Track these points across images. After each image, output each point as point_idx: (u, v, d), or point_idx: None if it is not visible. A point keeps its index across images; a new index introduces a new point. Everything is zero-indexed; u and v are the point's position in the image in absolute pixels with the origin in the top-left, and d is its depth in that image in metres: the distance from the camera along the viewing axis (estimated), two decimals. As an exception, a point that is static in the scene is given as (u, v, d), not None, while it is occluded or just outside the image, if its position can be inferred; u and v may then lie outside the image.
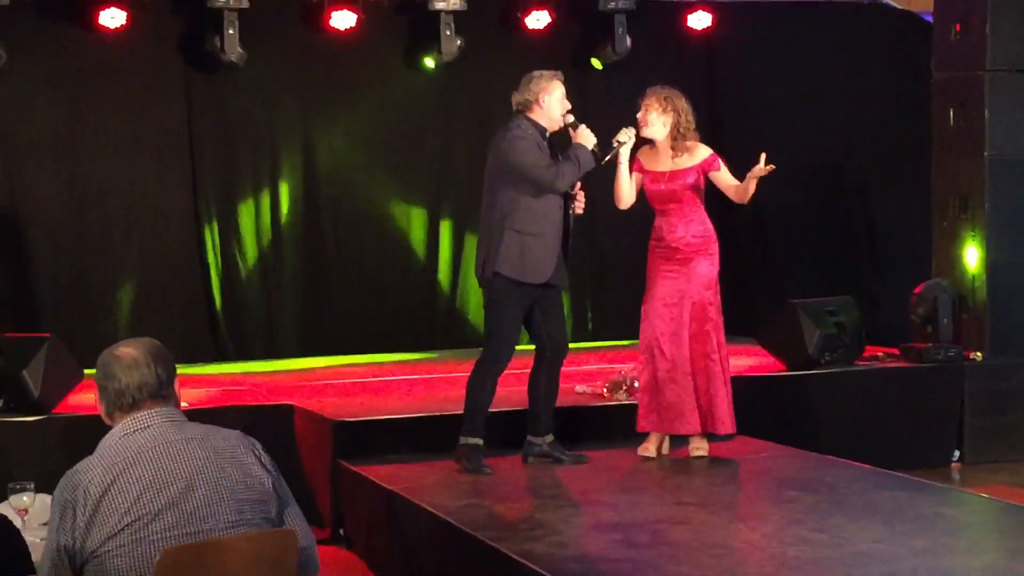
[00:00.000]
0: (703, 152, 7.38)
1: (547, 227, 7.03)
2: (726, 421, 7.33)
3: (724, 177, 7.40)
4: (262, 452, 3.62)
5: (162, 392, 3.56)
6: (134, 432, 3.51)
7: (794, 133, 11.52)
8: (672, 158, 7.34)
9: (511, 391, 7.58)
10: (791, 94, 11.57)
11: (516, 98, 7.11)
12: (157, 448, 3.47)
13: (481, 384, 7.11)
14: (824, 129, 11.59)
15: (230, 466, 3.52)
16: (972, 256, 9.63)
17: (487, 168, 7.14)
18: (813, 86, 11.58)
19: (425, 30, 10.80)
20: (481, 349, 7.22)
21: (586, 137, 7.06)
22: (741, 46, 11.54)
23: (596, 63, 11.29)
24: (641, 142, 7.38)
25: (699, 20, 11.35)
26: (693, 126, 7.35)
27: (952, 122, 9.73)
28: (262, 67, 10.63)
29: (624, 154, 7.29)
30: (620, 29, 11.07)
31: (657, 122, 7.30)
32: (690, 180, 7.32)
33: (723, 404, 7.31)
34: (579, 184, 7.16)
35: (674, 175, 7.33)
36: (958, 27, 9.68)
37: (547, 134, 7.10)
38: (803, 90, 11.58)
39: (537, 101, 7.05)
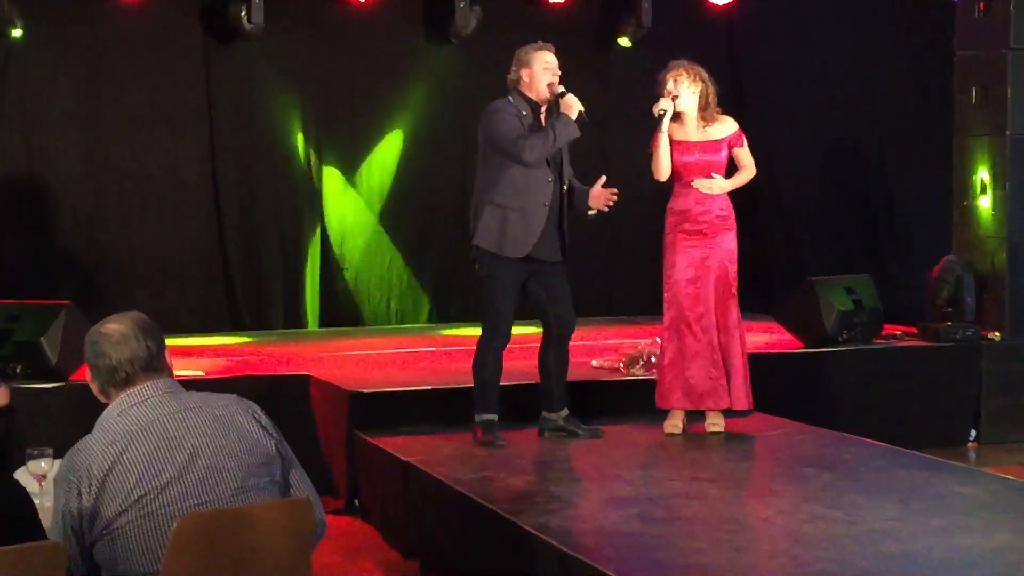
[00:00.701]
0: (732, 125, 7.39)
1: (530, 201, 6.99)
2: (742, 397, 7.31)
3: (744, 155, 7.40)
4: (261, 415, 3.62)
5: (154, 364, 3.55)
6: (131, 407, 3.49)
7: (815, 110, 11.47)
8: (703, 128, 7.31)
9: (526, 363, 7.55)
10: (812, 71, 11.50)
11: (508, 75, 7.13)
12: (157, 420, 3.46)
13: (483, 361, 7.11)
14: (845, 106, 11.53)
15: (231, 431, 3.51)
16: (991, 235, 9.58)
17: (478, 143, 7.16)
18: (834, 63, 11.51)
19: (445, 3, 10.75)
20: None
21: (570, 105, 7.01)
22: (762, 23, 11.47)
23: (625, 41, 11.22)
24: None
25: (721, -4, 11.28)
26: (716, 98, 7.33)
27: (974, 100, 9.67)
28: (281, 39, 10.59)
29: (666, 123, 7.26)
30: (646, 4, 10.99)
31: (688, 92, 7.29)
32: (723, 152, 7.32)
33: (740, 380, 7.29)
34: (602, 180, 7.10)
35: (707, 146, 7.31)
36: (981, 5, 9.62)
37: (540, 108, 7.06)
38: (824, 67, 11.51)
39: (522, 76, 7.05)
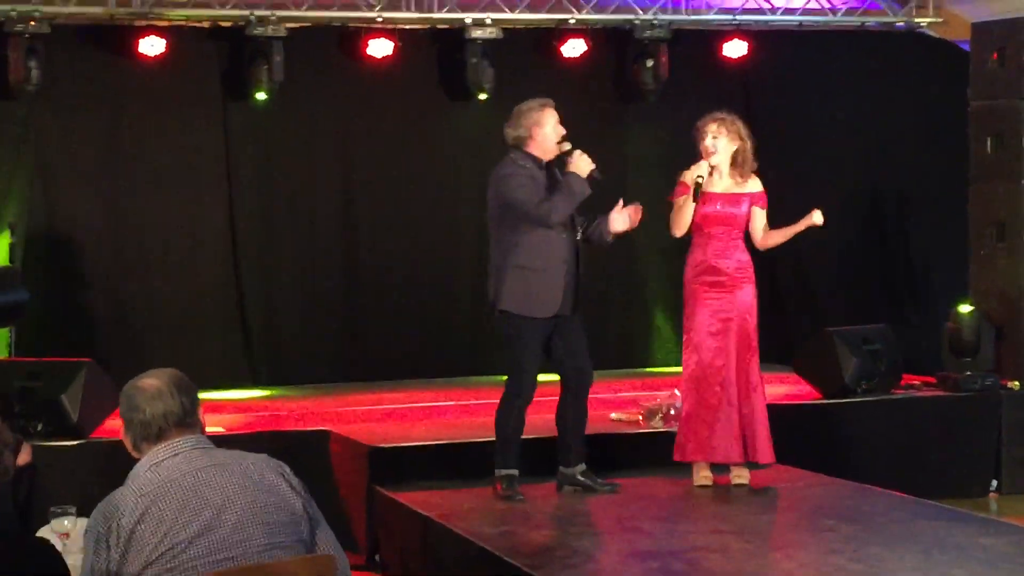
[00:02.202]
0: (757, 185, 7.43)
1: (551, 260, 7.03)
2: (766, 450, 7.30)
3: (762, 217, 7.42)
4: (290, 474, 3.63)
5: (187, 420, 3.58)
6: (162, 461, 3.52)
7: (831, 161, 11.50)
8: (732, 182, 7.33)
9: (542, 417, 7.55)
10: (827, 122, 11.54)
11: (509, 133, 7.11)
12: (187, 476, 3.49)
13: (507, 417, 7.12)
14: (861, 157, 11.56)
15: (260, 489, 3.53)
16: (1009, 284, 9.58)
17: (488, 206, 7.16)
18: (849, 114, 11.55)
19: (461, 59, 10.83)
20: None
21: (581, 165, 7.04)
22: (777, 75, 11.53)
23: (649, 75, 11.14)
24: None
25: (735, 48, 11.33)
26: (752, 154, 7.35)
27: (989, 150, 9.70)
28: (300, 95, 10.67)
29: (698, 193, 7.27)
30: (664, 56, 11.04)
31: (726, 150, 7.31)
32: (744, 207, 7.34)
33: (764, 433, 7.29)
34: (619, 204, 7.16)
35: (730, 199, 7.34)
36: (995, 55, 9.66)
37: (543, 164, 7.10)
38: (839, 118, 11.55)
39: (531, 135, 7.06)
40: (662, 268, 10.94)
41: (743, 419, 7.28)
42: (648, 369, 10.96)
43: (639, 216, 7.20)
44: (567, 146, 7.10)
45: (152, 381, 3.60)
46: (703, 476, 7.37)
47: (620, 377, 10.44)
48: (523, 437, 7.20)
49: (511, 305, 7.02)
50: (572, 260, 7.10)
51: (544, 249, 7.02)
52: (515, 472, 7.11)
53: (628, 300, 11.40)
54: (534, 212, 6.95)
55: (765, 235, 7.43)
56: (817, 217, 7.32)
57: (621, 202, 7.19)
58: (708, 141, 7.32)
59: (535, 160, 7.06)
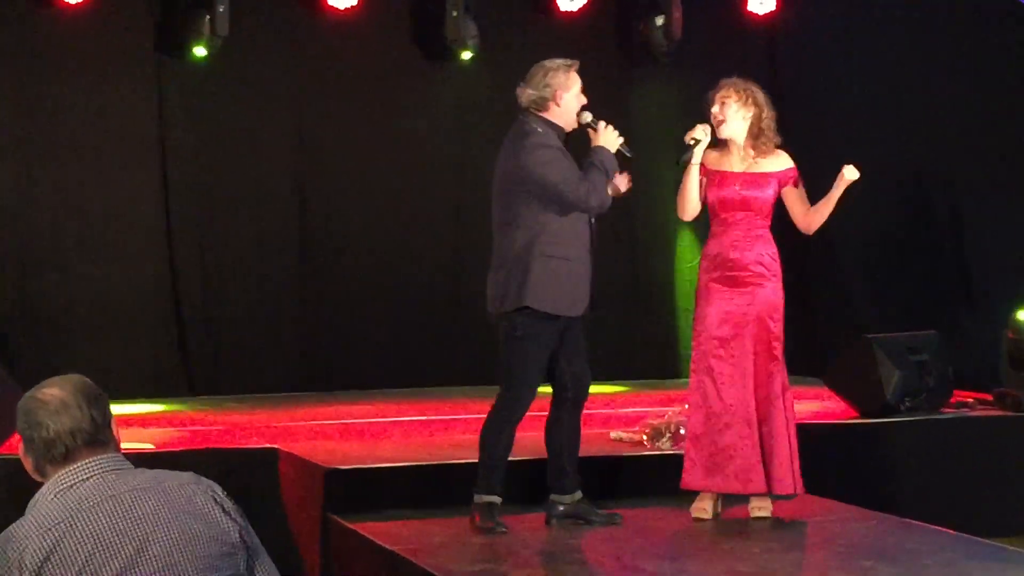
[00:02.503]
0: (787, 161, 7.41)
1: (580, 249, 7.06)
2: (786, 479, 7.29)
3: (800, 197, 7.42)
4: (224, 497, 3.62)
5: (99, 437, 3.54)
6: (71, 487, 3.49)
7: (871, 136, 11.51)
8: (752, 160, 7.35)
9: (530, 436, 7.56)
10: (868, 90, 11.57)
11: (527, 94, 7.08)
12: (101, 504, 3.46)
13: (498, 435, 7.11)
14: (907, 132, 11.57)
15: (189, 517, 3.51)
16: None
17: (498, 179, 7.14)
18: (893, 80, 11.57)
19: (439, 11, 10.84)
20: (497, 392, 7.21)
21: (610, 138, 7.08)
22: (809, 33, 11.55)
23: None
24: (712, 142, 7.41)
25: (761, 3, 11.37)
26: (774, 125, 7.37)
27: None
28: (247, 53, 10.66)
29: (697, 155, 7.32)
30: (678, 11, 11.06)
31: (736, 117, 7.33)
32: (769, 188, 7.33)
33: (784, 459, 7.28)
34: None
35: (751, 180, 7.33)
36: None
37: (563, 134, 7.12)
38: (882, 85, 11.57)
39: (555, 98, 7.05)
40: (669, 260, 10.97)
41: (764, 441, 7.28)
42: (654, 381, 10.97)
43: (626, 186, 7.22)
44: (588, 116, 7.12)
45: (55, 392, 3.57)
46: (700, 508, 7.38)
47: (621, 390, 10.46)
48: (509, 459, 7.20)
49: (539, 301, 6.97)
50: (591, 250, 7.13)
51: (573, 237, 7.02)
52: (498, 500, 7.12)
53: (628, 299, 11.41)
54: (571, 195, 6.95)
55: (807, 215, 7.43)
56: (850, 172, 7.28)
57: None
58: (715, 108, 7.34)
59: (556, 130, 7.07)
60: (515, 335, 7.03)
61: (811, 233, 7.58)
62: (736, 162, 7.37)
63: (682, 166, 7.36)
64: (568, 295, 7.03)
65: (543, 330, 7.00)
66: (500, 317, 7.10)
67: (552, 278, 6.98)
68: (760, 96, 7.36)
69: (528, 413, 7.21)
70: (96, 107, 10.48)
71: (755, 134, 7.34)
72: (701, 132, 7.33)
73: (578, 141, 7.24)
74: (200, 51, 10.31)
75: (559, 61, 7.12)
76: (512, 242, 7.03)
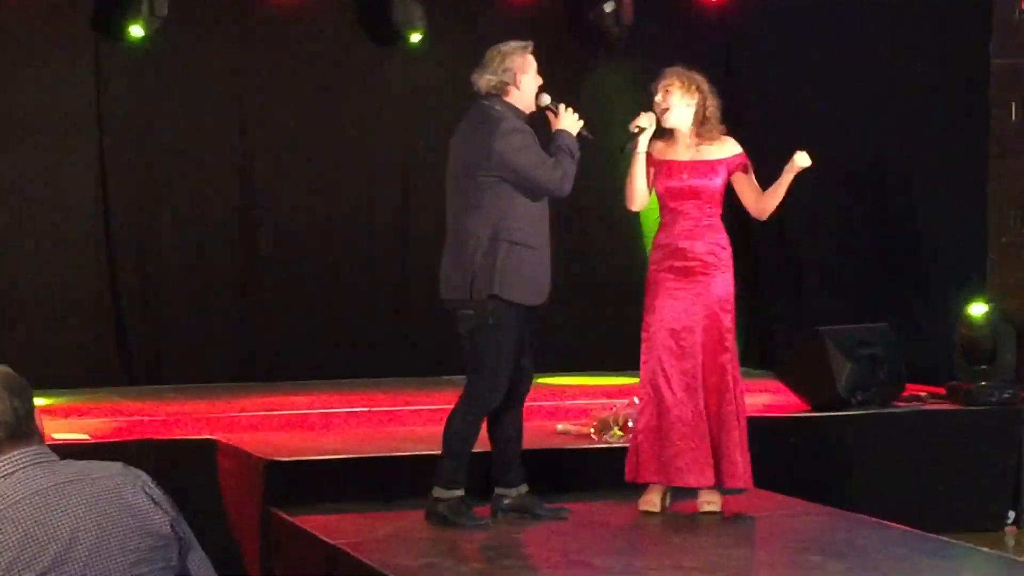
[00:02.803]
0: (733, 147, 7.39)
1: (543, 237, 7.04)
2: (737, 473, 7.28)
3: (750, 183, 7.40)
4: (154, 487, 3.59)
5: (22, 429, 3.49)
6: None
7: (825, 127, 11.51)
8: (696, 147, 7.33)
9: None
10: (822, 81, 11.58)
11: (485, 79, 7.03)
12: (25, 499, 3.42)
13: (468, 428, 7.02)
14: (861, 123, 11.60)
15: (117, 510, 3.47)
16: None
17: (458, 164, 7.07)
18: (847, 71, 11.58)
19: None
20: (464, 382, 7.11)
21: (571, 121, 7.05)
22: (765, 22, 11.56)
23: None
24: (657, 132, 7.38)
25: (715, -9, 11.38)
26: (719, 113, 7.35)
27: (1014, 117, 9.77)
28: (188, 35, 10.59)
29: (643, 143, 7.30)
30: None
31: (680, 105, 7.31)
32: (717, 176, 7.31)
33: (736, 452, 7.27)
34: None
35: (697, 168, 7.31)
36: (1022, 5, 9.72)
37: (525, 119, 7.08)
38: (837, 77, 11.58)
39: (515, 81, 7.01)
40: (618, 250, 10.95)
41: (714, 434, 7.26)
42: (602, 373, 10.96)
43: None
44: (547, 99, 7.09)
45: None
46: (649, 500, 7.37)
47: (568, 382, 10.45)
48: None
49: (507, 290, 6.91)
50: (551, 237, 7.11)
51: (537, 223, 6.99)
52: (464, 492, 7.05)
53: (577, 289, 11.39)
54: (547, 181, 6.92)
55: (759, 201, 7.40)
56: (801, 159, 7.25)
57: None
58: (658, 97, 7.33)
59: (519, 114, 7.03)
60: (487, 323, 6.94)
61: (763, 219, 7.58)
62: (682, 151, 7.35)
63: (627, 155, 7.34)
64: (535, 284, 7.01)
65: (512, 318, 6.96)
66: (460, 303, 7.03)
67: (519, 267, 6.94)
68: (704, 84, 7.36)
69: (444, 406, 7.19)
70: (33, 88, 10.40)
71: (700, 122, 7.33)
72: (645, 120, 7.31)
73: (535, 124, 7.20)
74: (137, 31, 10.21)
75: (514, 43, 7.07)
76: (473, 227, 6.95)
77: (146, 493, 3.57)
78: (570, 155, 6.99)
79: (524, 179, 6.91)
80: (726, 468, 7.28)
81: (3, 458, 3.48)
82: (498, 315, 6.92)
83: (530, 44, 7.09)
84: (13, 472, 3.47)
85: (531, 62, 7.05)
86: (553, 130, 7.09)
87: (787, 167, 7.30)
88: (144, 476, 3.60)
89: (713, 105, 7.34)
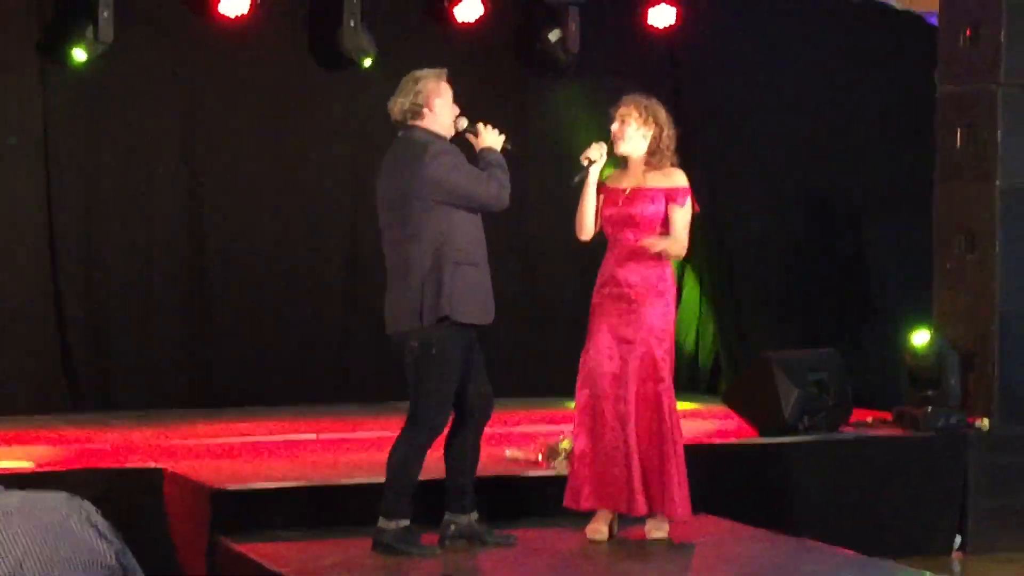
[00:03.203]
0: (678, 179, 7.39)
1: (482, 254, 7.09)
2: (678, 502, 7.29)
3: (679, 219, 7.37)
4: (98, 518, 3.57)
5: None
6: None
7: (772, 153, 11.61)
8: (641, 175, 7.36)
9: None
10: (769, 107, 11.65)
11: (399, 104, 7.07)
12: None
13: (412, 458, 7.03)
14: (807, 149, 11.68)
15: (61, 541, 3.45)
16: (980, 303, 9.70)
17: (392, 195, 7.08)
18: (795, 98, 11.67)
19: (331, 19, 10.80)
20: (407, 410, 7.13)
21: (492, 138, 7.10)
22: (711, 48, 11.61)
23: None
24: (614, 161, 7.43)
25: (661, 16, 11.40)
26: (673, 144, 7.39)
27: (959, 143, 9.82)
28: (134, 57, 10.56)
29: (593, 174, 7.34)
30: (573, 24, 11.10)
31: (636, 136, 7.35)
32: (652, 205, 7.33)
33: (675, 480, 7.27)
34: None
35: (635, 195, 7.34)
36: (968, 32, 9.78)
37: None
38: (784, 102, 11.66)
39: (428, 104, 7.06)
40: (566, 276, 10.98)
41: (647, 463, 7.26)
42: (550, 399, 10.96)
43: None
44: (463, 122, 7.15)
45: None
46: (595, 529, 7.39)
47: (516, 407, 10.45)
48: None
49: (457, 311, 6.93)
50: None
51: (476, 242, 7.04)
52: (409, 522, 7.06)
53: (522, 314, 11.41)
54: (484, 196, 6.97)
55: (675, 243, 7.41)
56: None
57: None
58: (615, 126, 7.37)
59: (439, 137, 7.07)
60: (430, 353, 6.94)
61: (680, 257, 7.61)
62: (625, 178, 7.41)
63: (577, 186, 7.37)
64: (482, 302, 7.06)
65: (457, 344, 6.97)
66: (408, 335, 7.04)
67: (466, 286, 6.97)
68: (662, 115, 7.39)
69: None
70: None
71: (651, 151, 7.36)
72: (596, 152, 7.36)
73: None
74: (80, 55, 10.19)
75: (428, 70, 7.14)
76: (416, 256, 6.96)
77: (91, 524, 3.55)
78: (500, 167, 7.04)
79: (461, 197, 6.95)
80: (663, 496, 7.28)
81: None
82: (443, 342, 6.93)
83: (444, 71, 7.15)
84: None
85: (445, 88, 7.11)
86: (477, 151, 7.14)
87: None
88: (88, 506, 3.59)
89: (669, 136, 7.37)
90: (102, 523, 3.56)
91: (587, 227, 7.41)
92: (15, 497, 3.53)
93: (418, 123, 7.06)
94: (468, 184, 6.95)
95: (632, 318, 7.29)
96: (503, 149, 7.13)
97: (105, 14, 9.99)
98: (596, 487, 7.34)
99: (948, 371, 9.58)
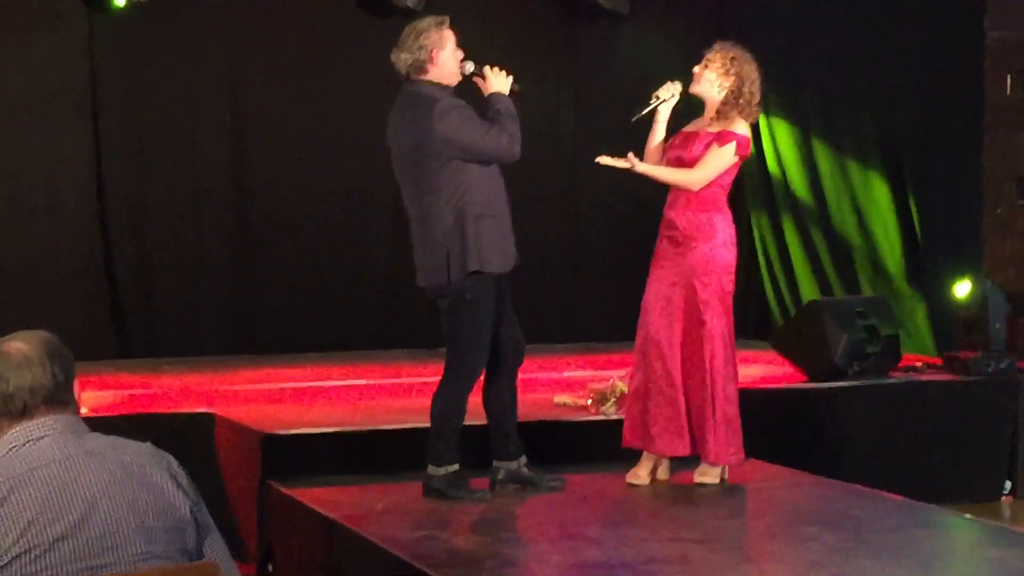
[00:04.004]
0: (735, 125, 7.32)
1: (501, 203, 7.06)
2: (712, 448, 7.31)
3: (710, 155, 7.29)
4: (179, 470, 3.62)
5: (59, 396, 3.55)
6: (24, 444, 3.50)
7: (820, 103, 11.55)
8: (708, 121, 7.37)
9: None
10: (816, 57, 11.59)
11: (402, 59, 7.01)
12: (53, 464, 3.46)
13: (455, 404, 7.05)
14: (855, 99, 11.61)
15: (140, 487, 3.51)
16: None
17: (406, 152, 7.04)
18: (843, 47, 11.60)
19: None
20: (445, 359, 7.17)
21: (500, 81, 7.03)
22: (759, 1, 11.56)
23: None
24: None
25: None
26: (756, 100, 7.36)
27: (1009, 90, 9.79)
28: (181, 7, 10.60)
29: (663, 112, 7.32)
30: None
31: (712, 81, 7.33)
32: (700, 148, 7.33)
33: (718, 427, 7.29)
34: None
35: (688, 139, 7.36)
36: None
37: (451, 92, 7.07)
38: (831, 52, 11.60)
39: (431, 58, 7.00)
40: (613, 223, 10.98)
41: (692, 406, 7.31)
42: (598, 343, 11.01)
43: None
44: (469, 66, 7.07)
45: (20, 345, 3.58)
46: (635, 474, 7.41)
47: (564, 353, 10.49)
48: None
49: (484, 263, 6.95)
50: (508, 201, 7.14)
51: (494, 192, 7.01)
52: (459, 467, 7.10)
53: (574, 263, 11.45)
54: (495, 149, 6.93)
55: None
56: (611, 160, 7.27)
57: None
58: (697, 67, 7.36)
59: (445, 89, 7.04)
60: (463, 302, 6.98)
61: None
62: (694, 123, 7.42)
63: (639, 122, 7.33)
64: (504, 251, 7.05)
65: (487, 291, 7.00)
66: (438, 289, 7.08)
67: (489, 237, 6.98)
68: (747, 69, 7.32)
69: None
70: (24, 63, 10.40)
71: (725, 101, 7.33)
72: (667, 91, 7.33)
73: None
74: (119, 1, 10.25)
75: (430, 19, 7.08)
76: (437, 211, 6.96)
77: (171, 475, 3.60)
78: (509, 116, 6.97)
79: (472, 154, 6.93)
80: (704, 442, 7.30)
81: (36, 422, 3.53)
82: (475, 291, 6.97)
83: (446, 19, 7.07)
84: (43, 437, 3.52)
85: (448, 36, 7.02)
86: (485, 95, 7.09)
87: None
88: (172, 460, 3.63)
89: (750, 92, 7.30)
90: (182, 476, 3.61)
91: (650, 161, 7.39)
92: (103, 441, 3.58)
93: (423, 76, 7.04)
94: (478, 139, 6.92)
95: (679, 260, 7.31)
96: (512, 91, 7.06)
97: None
98: (639, 427, 7.37)
99: (997, 317, 9.57)
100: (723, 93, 7.32)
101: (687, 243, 7.30)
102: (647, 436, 7.36)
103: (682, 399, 7.29)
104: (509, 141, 6.94)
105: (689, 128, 7.43)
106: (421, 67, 7.00)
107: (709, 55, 7.37)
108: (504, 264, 7.05)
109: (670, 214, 7.35)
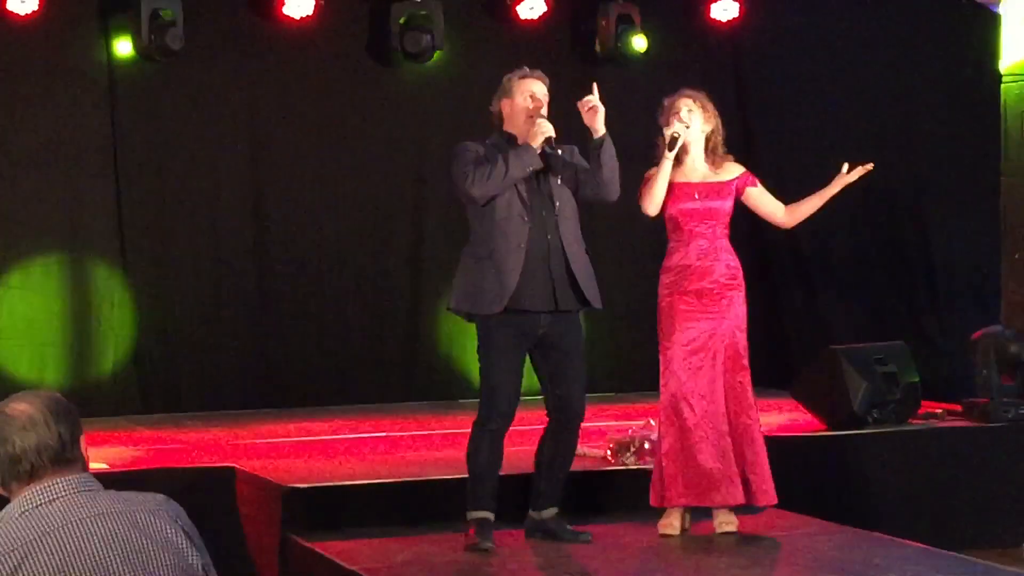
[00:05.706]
0: (738, 168, 7.49)
1: (501, 244, 6.99)
2: (769, 490, 7.36)
3: (763, 195, 7.50)
4: (187, 522, 3.60)
5: (66, 455, 3.52)
6: (37, 507, 3.47)
7: (836, 145, 11.56)
8: (708, 170, 7.43)
9: (522, 451, 7.58)
10: (833, 98, 11.64)
11: (491, 111, 7.21)
12: (66, 527, 3.44)
13: (476, 448, 7.08)
14: (872, 140, 11.64)
15: (155, 546, 3.49)
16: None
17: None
18: (859, 89, 11.65)
19: (394, 18, 10.90)
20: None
21: (536, 133, 7.00)
22: (774, 40, 11.63)
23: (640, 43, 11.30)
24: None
25: (724, 10, 11.46)
26: (723, 141, 7.48)
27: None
28: (201, 63, 10.69)
29: (678, 144, 7.36)
30: (636, 19, 11.17)
31: (699, 125, 7.41)
32: (729, 198, 7.41)
33: (765, 469, 7.35)
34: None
35: (710, 189, 7.40)
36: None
37: (516, 142, 7.09)
38: (847, 94, 11.65)
39: (500, 109, 7.13)
40: (632, 273, 11.00)
41: (739, 452, 7.34)
42: (617, 395, 11.02)
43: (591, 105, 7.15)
44: (541, 120, 7.06)
45: (22, 406, 3.56)
46: (668, 524, 7.40)
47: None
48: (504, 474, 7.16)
49: (457, 301, 7.09)
50: (540, 248, 7.04)
51: (495, 234, 7.01)
52: (489, 515, 7.07)
53: (591, 314, 11.43)
54: (458, 184, 7.03)
55: (789, 210, 7.57)
56: (850, 173, 7.47)
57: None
58: (683, 114, 7.38)
59: (509, 138, 7.10)
60: (480, 340, 7.10)
61: (790, 227, 7.69)
62: (691, 173, 7.44)
63: (671, 150, 7.33)
64: (485, 292, 7.00)
65: (498, 333, 7.00)
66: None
67: (470, 276, 7.06)
68: (715, 111, 7.47)
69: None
70: (46, 118, 10.48)
71: (711, 147, 7.43)
72: (681, 127, 7.34)
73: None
74: (124, 48, 10.49)
75: (516, 71, 7.17)
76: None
77: (182, 528, 3.61)
78: (504, 163, 6.91)
79: (454, 191, 7.10)
80: (755, 485, 7.35)
81: (47, 483, 3.49)
82: (480, 331, 7.06)
83: (524, 71, 7.13)
84: (56, 499, 3.48)
85: (517, 88, 7.07)
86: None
87: (837, 179, 7.50)
88: (180, 510, 3.62)
89: (719, 131, 7.46)
90: (191, 529, 3.60)
91: (656, 201, 7.39)
92: (115, 498, 3.56)
93: (498, 126, 7.15)
94: (454, 176, 7.03)
95: (717, 309, 7.33)
96: (543, 145, 6.97)
97: (173, 18, 10.13)
98: (686, 483, 7.34)
99: (988, 364, 9.56)
100: (703, 137, 7.41)
101: (724, 292, 7.34)
102: (695, 489, 7.35)
103: (730, 446, 7.32)
104: (470, 182, 6.92)
105: (689, 179, 7.43)
106: (495, 117, 7.16)
107: (682, 101, 7.38)
108: (485, 306, 7.00)
109: (704, 265, 7.35)
